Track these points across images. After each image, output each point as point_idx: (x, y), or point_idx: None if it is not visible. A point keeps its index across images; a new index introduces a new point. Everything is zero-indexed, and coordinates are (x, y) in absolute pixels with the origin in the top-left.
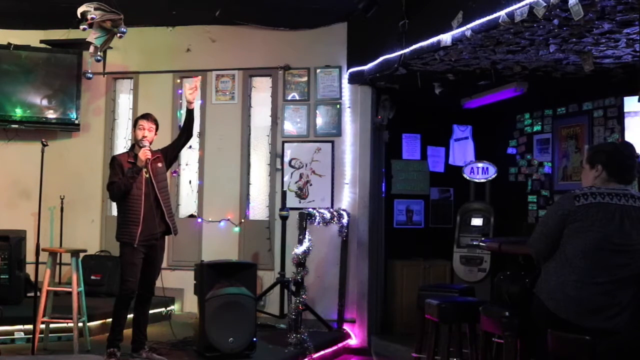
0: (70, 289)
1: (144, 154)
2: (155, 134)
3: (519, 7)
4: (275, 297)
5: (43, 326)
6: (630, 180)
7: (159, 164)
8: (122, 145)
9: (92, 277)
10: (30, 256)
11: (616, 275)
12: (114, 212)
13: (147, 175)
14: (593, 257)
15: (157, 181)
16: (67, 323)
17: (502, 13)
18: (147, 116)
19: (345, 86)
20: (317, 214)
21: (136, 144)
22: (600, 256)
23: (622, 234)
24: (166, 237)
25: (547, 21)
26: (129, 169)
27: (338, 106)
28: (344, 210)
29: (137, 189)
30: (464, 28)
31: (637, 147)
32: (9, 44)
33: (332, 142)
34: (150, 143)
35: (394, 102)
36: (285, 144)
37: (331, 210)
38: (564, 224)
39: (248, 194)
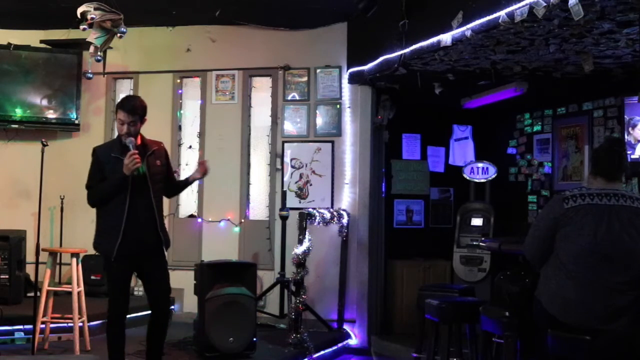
0: (70, 289)
1: (131, 164)
2: (141, 124)
3: (519, 7)
4: (275, 297)
5: (43, 326)
6: (617, 178)
7: (157, 162)
8: None
9: (92, 277)
10: (30, 256)
11: (612, 279)
12: None
13: (140, 172)
14: (586, 262)
15: (153, 182)
16: (67, 323)
17: (502, 13)
18: (124, 105)
19: (345, 86)
20: (317, 214)
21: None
22: (593, 260)
23: (613, 237)
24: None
25: (547, 21)
26: (113, 177)
27: (338, 106)
28: (344, 210)
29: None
30: (464, 28)
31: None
32: (9, 44)
33: (332, 142)
34: (138, 137)
35: (394, 102)
36: (285, 144)
37: (331, 210)
38: (555, 227)
39: (248, 194)
